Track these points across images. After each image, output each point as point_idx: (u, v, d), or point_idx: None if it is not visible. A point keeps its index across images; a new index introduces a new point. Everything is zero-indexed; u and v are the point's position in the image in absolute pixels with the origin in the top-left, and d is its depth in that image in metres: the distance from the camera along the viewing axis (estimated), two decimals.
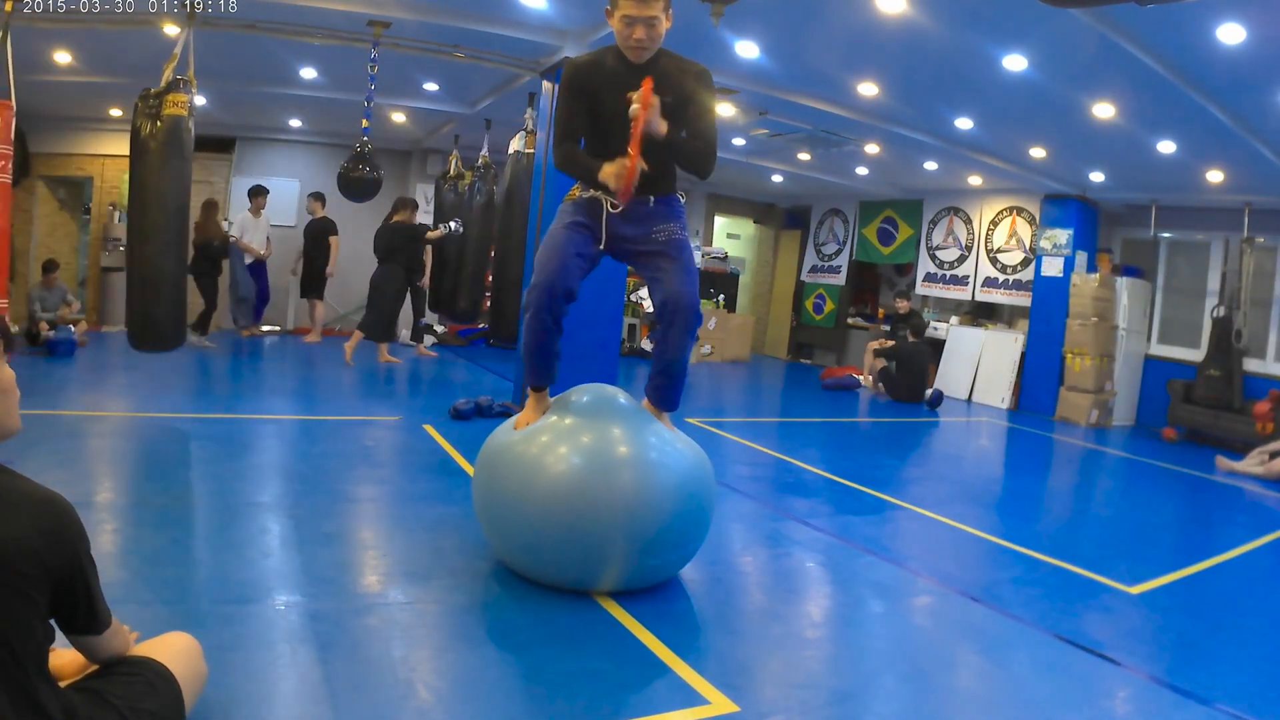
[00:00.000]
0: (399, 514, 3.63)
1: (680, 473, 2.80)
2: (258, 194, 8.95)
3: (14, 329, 7.67)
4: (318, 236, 9.08)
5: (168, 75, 4.86)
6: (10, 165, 4.87)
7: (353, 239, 9.40)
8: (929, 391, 9.05)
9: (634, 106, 2.64)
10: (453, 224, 8.16)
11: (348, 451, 4.69)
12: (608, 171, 2.72)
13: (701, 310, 3.01)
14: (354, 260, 9.37)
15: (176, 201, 4.92)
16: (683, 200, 3.05)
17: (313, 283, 9.20)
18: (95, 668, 1.60)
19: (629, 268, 6.70)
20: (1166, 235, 9.07)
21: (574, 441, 2.76)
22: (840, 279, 12.00)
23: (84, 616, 1.47)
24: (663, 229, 2.91)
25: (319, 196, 9.05)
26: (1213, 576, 3.84)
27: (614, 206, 2.87)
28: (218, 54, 6.19)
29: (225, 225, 8.99)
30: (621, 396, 2.98)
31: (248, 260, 9.10)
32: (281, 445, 4.76)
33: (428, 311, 9.01)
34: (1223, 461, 6.70)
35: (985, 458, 6.96)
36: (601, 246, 2.92)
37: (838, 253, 12.05)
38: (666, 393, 2.99)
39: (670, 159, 2.88)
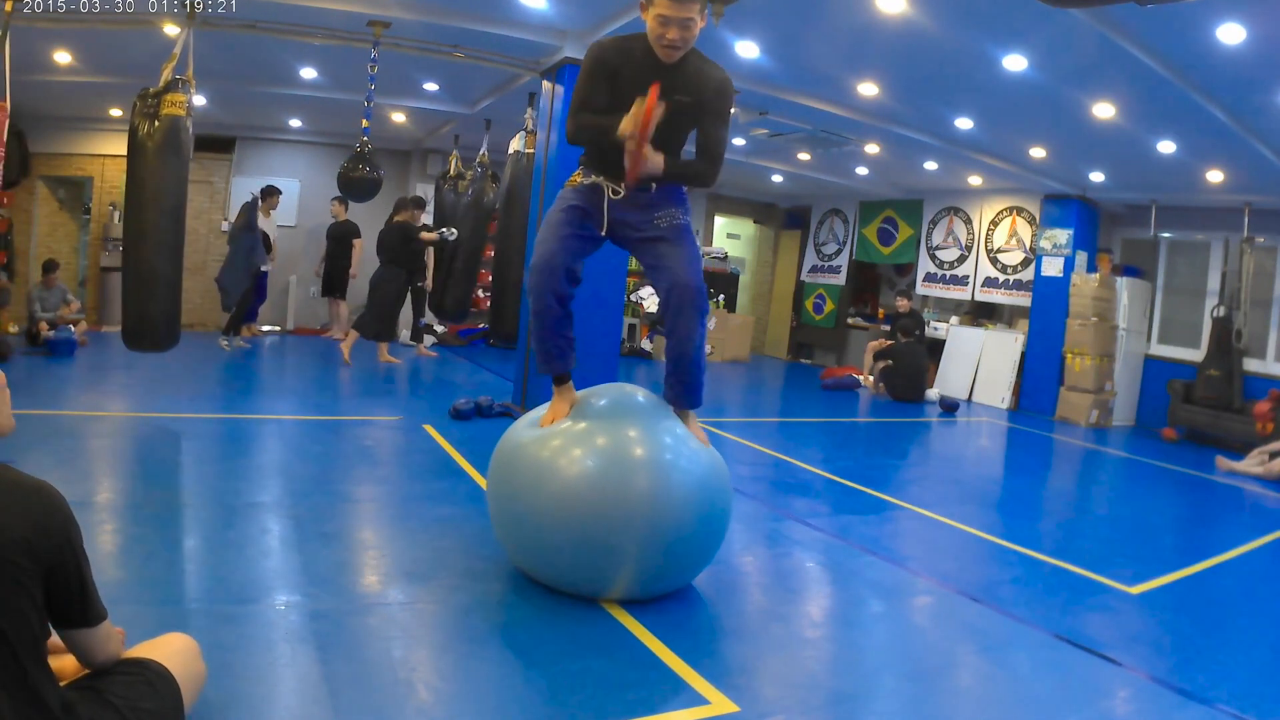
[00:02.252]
0: (399, 514, 3.63)
1: (697, 479, 2.72)
2: (269, 194, 8.93)
3: (14, 329, 7.72)
4: (341, 239, 9.12)
5: (166, 75, 4.86)
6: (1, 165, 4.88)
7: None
8: (937, 394, 9.07)
9: (629, 124, 2.55)
10: (445, 231, 8.10)
11: (348, 451, 4.69)
12: (626, 122, 2.58)
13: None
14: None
15: (173, 201, 4.91)
16: (685, 189, 3.01)
17: (335, 283, 9.28)
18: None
19: (628, 268, 6.72)
20: (1166, 235, 9.07)
21: (589, 444, 2.69)
22: (840, 279, 12.00)
23: (77, 607, 1.46)
24: (664, 214, 2.86)
25: (343, 200, 9.03)
26: (1213, 576, 3.84)
27: (615, 193, 2.83)
28: (218, 54, 6.19)
29: (223, 226, 8.99)
30: (641, 395, 2.90)
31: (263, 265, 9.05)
32: (281, 445, 4.76)
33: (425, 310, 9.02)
34: (1223, 461, 6.70)
35: (985, 458, 6.96)
36: (603, 233, 2.88)
37: (838, 253, 12.05)
38: (685, 388, 2.90)
39: (671, 178, 2.80)
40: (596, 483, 2.62)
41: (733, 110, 3.23)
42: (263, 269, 9.08)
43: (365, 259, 9.30)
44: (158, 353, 5.29)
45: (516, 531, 2.81)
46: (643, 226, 2.87)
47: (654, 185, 2.84)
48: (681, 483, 2.68)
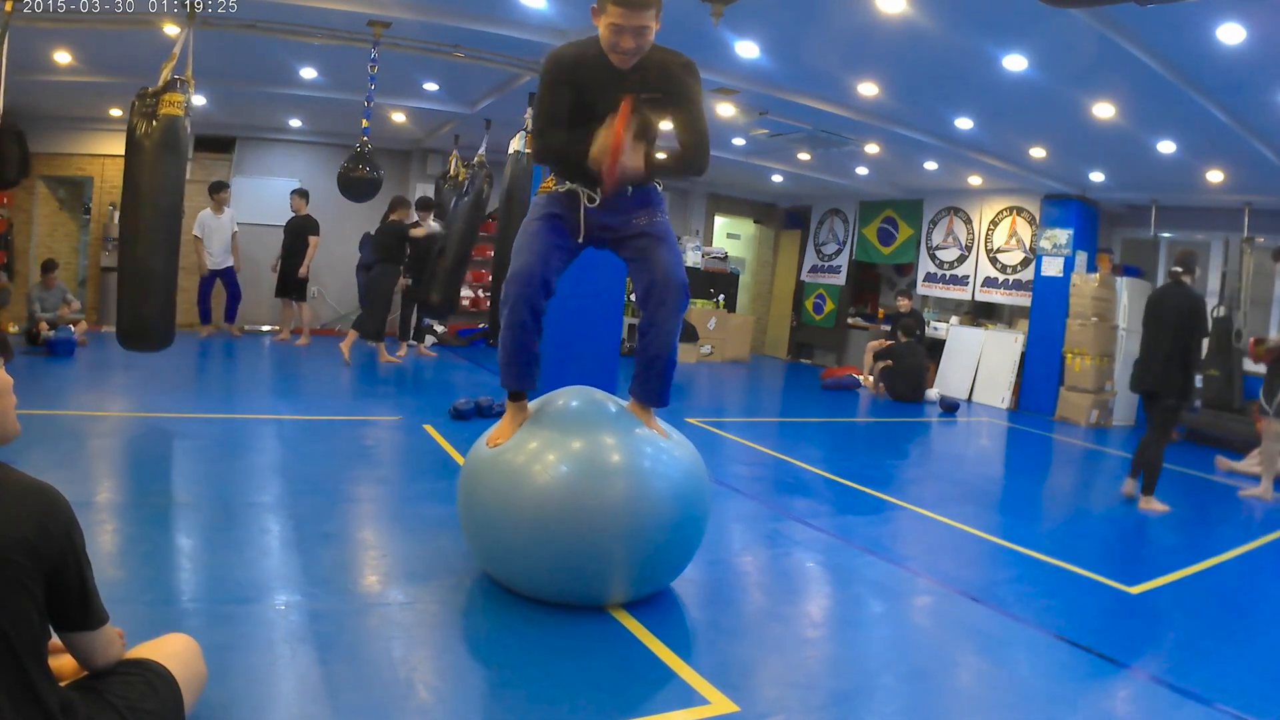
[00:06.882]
0: (399, 514, 3.63)
1: (674, 480, 2.69)
2: (218, 190, 8.82)
3: (14, 329, 7.72)
4: (298, 234, 8.86)
5: (166, 75, 4.86)
6: None
7: (352, 239, 9.41)
8: (937, 394, 9.07)
9: (602, 139, 2.56)
10: (434, 224, 8.10)
11: (348, 451, 4.70)
12: (596, 147, 2.59)
13: (691, 299, 2.89)
14: (353, 261, 9.40)
15: (169, 200, 4.90)
16: (660, 189, 2.96)
17: (290, 283, 8.93)
18: None
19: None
20: (1166, 235, 9.07)
21: (562, 450, 2.63)
22: (840, 279, 12.00)
23: (78, 609, 1.46)
24: (643, 214, 2.82)
25: (303, 194, 8.94)
26: (1213, 576, 3.84)
27: (591, 200, 2.77)
28: (218, 54, 6.19)
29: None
30: (610, 403, 2.86)
31: (211, 264, 8.82)
32: (281, 445, 4.76)
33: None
34: (1223, 461, 6.69)
35: (985, 458, 6.96)
36: (580, 240, 2.83)
37: (838, 253, 12.05)
38: (655, 386, 2.84)
39: (660, 175, 2.78)
40: (574, 489, 2.56)
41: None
42: (225, 266, 8.96)
43: (348, 258, 9.30)
44: (152, 352, 5.28)
45: (494, 549, 2.75)
46: (621, 228, 2.82)
47: (630, 188, 2.78)
48: (658, 487, 2.64)
